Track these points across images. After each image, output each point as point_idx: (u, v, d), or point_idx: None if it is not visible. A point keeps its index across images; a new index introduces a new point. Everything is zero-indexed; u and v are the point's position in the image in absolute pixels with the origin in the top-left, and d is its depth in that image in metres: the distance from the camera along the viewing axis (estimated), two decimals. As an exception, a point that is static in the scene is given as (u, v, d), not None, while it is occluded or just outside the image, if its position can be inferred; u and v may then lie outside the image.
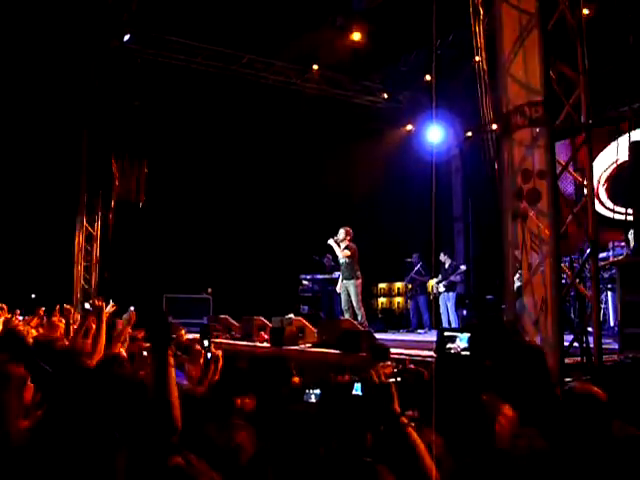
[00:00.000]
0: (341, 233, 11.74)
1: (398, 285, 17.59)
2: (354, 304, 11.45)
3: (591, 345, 5.88)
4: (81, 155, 14.46)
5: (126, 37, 14.03)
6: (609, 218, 10.23)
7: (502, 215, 6.58)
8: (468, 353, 3.46)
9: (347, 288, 11.59)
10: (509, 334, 4.89)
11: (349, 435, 3.42)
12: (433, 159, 11.69)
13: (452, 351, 3.61)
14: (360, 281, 11.61)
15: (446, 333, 3.57)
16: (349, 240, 11.72)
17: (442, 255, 13.62)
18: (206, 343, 5.55)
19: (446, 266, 13.51)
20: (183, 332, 7.84)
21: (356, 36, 14.23)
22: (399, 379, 4.32)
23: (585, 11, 6.56)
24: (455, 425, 3.16)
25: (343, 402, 4.06)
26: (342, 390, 4.28)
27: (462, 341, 3.56)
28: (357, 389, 4.33)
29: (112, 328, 6.28)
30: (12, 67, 13.20)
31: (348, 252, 11.52)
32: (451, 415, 3.17)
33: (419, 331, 13.68)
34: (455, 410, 3.21)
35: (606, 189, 12.85)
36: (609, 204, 12.18)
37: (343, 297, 11.67)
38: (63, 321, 7.95)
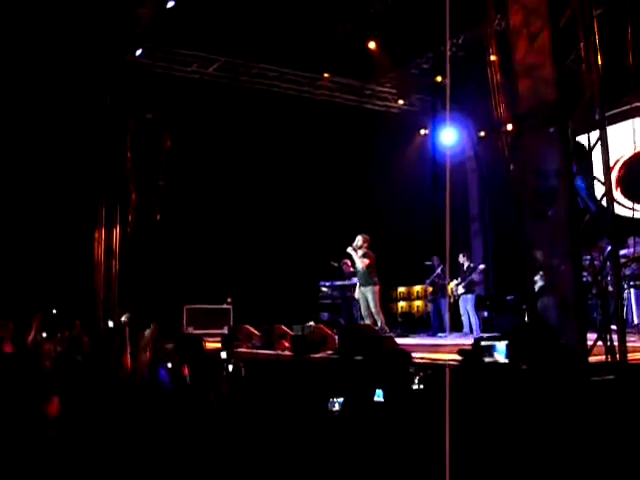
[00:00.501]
0: (359, 240, 11.80)
1: (417, 288, 17.54)
2: (373, 310, 11.51)
3: (615, 343, 5.83)
4: (98, 170, 14.54)
5: (138, 51, 14.14)
6: (629, 218, 10.03)
7: (519, 215, 6.56)
8: (506, 361, 3.38)
9: (365, 295, 11.66)
10: (553, 339, 4.81)
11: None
12: (447, 161, 11.67)
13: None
14: (378, 287, 11.68)
15: (483, 343, 3.49)
16: (366, 247, 11.77)
17: (461, 256, 13.60)
18: (224, 355, 5.60)
19: (465, 267, 13.47)
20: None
21: (372, 44, 14.34)
22: (422, 386, 4.32)
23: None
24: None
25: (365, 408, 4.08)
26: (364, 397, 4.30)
27: (499, 353, 3.47)
28: (379, 395, 4.33)
29: (137, 341, 6.33)
30: (27, 85, 13.35)
31: (367, 260, 11.60)
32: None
33: (440, 335, 13.63)
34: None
35: (622, 191, 12.75)
36: (628, 203, 12.07)
37: (362, 304, 11.74)
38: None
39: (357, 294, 12.02)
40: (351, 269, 13.17)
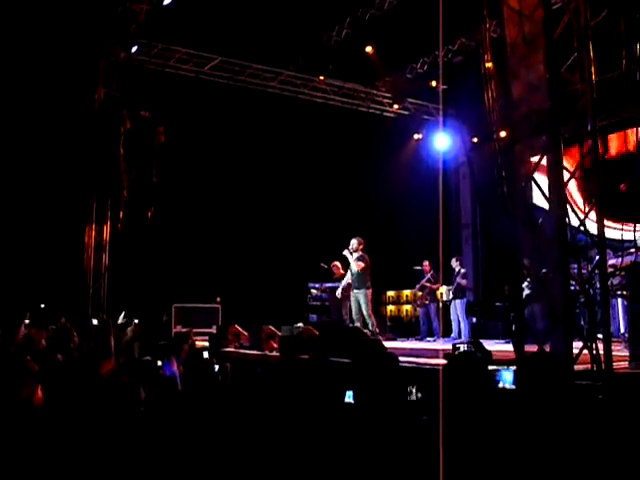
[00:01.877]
0: (354, 243, 11.94)
1: (406, 293, 17.55)
2: (364, 313, 11.61)
3: (601, 352, 5.86)
4: (91, 166, 14.51)
5: (134, 48, 14.11)
6: (618, 239, 9.84)
7: (510, 223, 6.58)
8: (513, 387, 3.34)
9: (357, 298, 11.77)
10: (559, 370, 4.78)
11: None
12: (440, 166, 11.73)
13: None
14: (370, 291, 11.82)
15: (491, 367, 3.43)
16: (362, 250, 11.90)
17: (454, 261, 13.61)
18: (206, 355, 5.62)
19: (456, 272, 13.49)
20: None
21: (368, 49, 14.37)
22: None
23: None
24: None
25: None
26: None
27: (505, 382, 3.41)
28: (349, 397, 4.34)
29: (120, 339, 6.34)
30: (19, 80, 13.30)
31: (362, 264, 11.75)
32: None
33: (428, 339, 13.65)
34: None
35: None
36: (615, 225, 11.94)
37: (353, 307, 11.85)
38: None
39: (339, 293, 12.23)
40: (341, 272, 13.20)
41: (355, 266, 11.81)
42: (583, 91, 6.15)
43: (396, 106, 17.43)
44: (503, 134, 7.95)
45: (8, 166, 13.80)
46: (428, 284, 14.06)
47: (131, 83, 14.36)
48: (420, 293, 14.38)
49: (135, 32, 13.71)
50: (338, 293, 12.43)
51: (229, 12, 12.47)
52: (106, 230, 14.77)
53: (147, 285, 14.35)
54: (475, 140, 16.22)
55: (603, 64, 6.46)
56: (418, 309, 14.68)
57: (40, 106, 13.74)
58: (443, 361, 6.46)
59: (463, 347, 6.32)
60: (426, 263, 14.19)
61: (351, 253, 11.92)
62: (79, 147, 14.40)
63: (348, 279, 12.32)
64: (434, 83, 15.18)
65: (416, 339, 14.10)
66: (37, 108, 13.74)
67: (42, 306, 14.99)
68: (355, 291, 11.86)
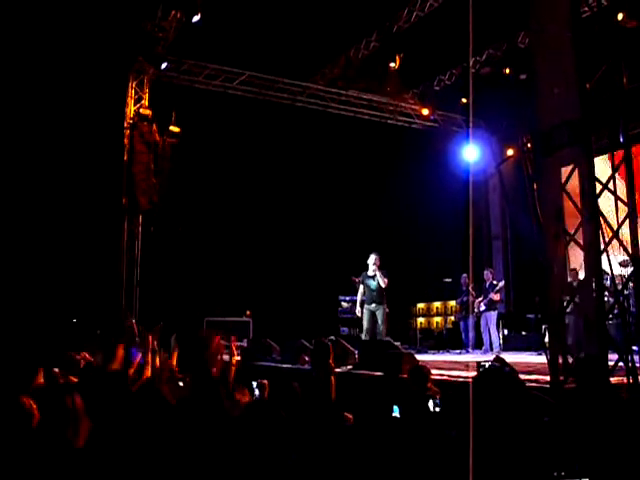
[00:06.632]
0: (376, 259, 11.73)
1: (436, 305, 17.49)
2: (382, 330, 11.46)
3: (637, 364, 5.78)
4: (122, 182, 14.65)
5: (164, 65, 14.24)
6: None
7: (542, 234, 6.53)
8: None
9: (375, 313, 11.56)
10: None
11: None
12: (470, 178, 11.67)
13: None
14: (386, 307, 11.69)
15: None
16: (378, 266, 11.70)
17: (487, 273, 13.51)
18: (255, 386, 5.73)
19: (487, 284, 13.39)
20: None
21: (395, 61, 14.37)
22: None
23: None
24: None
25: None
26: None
27: None
28: (395, 411, 4.34)
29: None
30: (51, 100, 13.52)
31: (387, 280, 11.52)
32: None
33: (455, 351, 13.51)
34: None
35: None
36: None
37: (367, 322, 11.64)
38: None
39: (358, 311, 11.97)
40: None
41: (382, 282, 11.57)
42: (614, 101, 6.10)
43: (426, 111, 17.07)
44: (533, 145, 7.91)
45: (42, 184, 14.02)
46: (469, 297, 13.84)
47: (161, 99, 14.50)
48: (459, 307, 14.26)
49: (164, 49, 13.85)
50: (357, 311, 12.14)
51: (256, 27, 12.60)
52: (137, 245, 14.87)
53: (179, 300, 14.45)
54: (510, 153, 15.86)
55: (634, 73, 6.41)
56: (460, 323, 14.46)
57: (70, 124, 13.95)
58: (472, 374, 6.42)
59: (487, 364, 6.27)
60: (464, 276, 13.96)
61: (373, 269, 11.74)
62: (110, 164, 14.56)
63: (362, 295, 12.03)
64: (464, 100, 15.11)
65: (447, 352, 13.96)
66: (67, 126, 13.95)
67: (74, 320, 15.17)
68: (373, 306, 11.59)
